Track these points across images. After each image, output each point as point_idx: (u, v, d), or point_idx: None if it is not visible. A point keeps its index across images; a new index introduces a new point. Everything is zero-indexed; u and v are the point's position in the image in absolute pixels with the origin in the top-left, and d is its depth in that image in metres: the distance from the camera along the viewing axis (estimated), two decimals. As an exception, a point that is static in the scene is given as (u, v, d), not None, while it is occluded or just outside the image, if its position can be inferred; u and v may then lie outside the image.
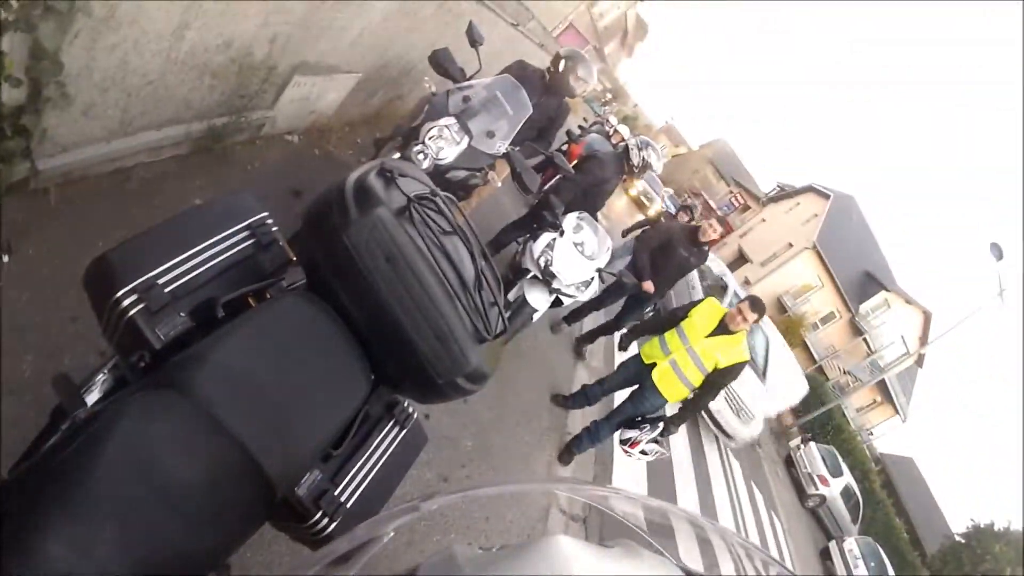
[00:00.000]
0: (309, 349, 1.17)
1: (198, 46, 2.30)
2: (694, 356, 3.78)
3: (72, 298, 2.08)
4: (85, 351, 2.02)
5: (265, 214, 1.34)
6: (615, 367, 4.75)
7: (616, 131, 9.58)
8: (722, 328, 3.81)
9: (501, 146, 2.78)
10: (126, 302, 1.10)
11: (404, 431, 1.35)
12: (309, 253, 1.30)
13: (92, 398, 1.29)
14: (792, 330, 24.05)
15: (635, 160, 4.18)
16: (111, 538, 0.87)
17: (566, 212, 3.71)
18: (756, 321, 3.81)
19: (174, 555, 0.94)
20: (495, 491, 1.05)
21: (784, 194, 31.82)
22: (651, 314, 5.92)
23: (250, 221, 1.31)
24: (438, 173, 2.63)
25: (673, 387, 3.84)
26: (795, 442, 14.50)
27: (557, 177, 4.49)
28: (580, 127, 9.47)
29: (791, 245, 26.19)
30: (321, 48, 3.19)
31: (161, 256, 1.16)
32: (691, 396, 3.96)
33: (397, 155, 2.61)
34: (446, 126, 2.58)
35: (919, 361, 24.61)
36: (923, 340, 23.96)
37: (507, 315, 1.43)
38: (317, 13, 2.85)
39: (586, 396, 4.41)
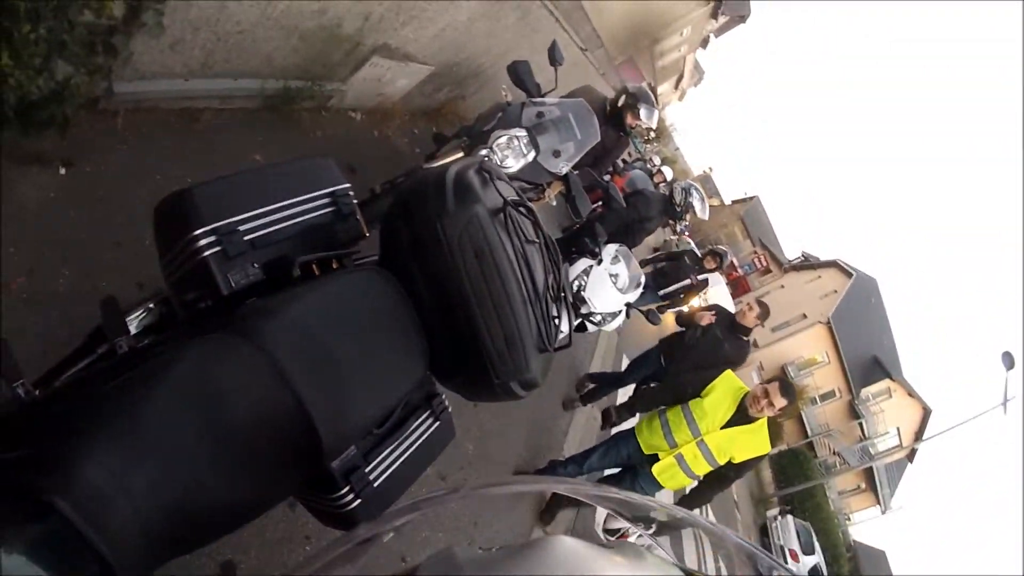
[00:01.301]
0: (377, 325, 1.17)
1: (294, 7, 2.33)
2: (705, 451, 3.13)
3: (119, 224, 2.10)
4: (122, 279, 2.02)
5: (348, 185, 1.35)
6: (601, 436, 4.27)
7: (659, 171, 9.53)
8: (741, 413, 3.11)
9: (564, 167, 2.78)
10: (203, 242, 1.09)
11: (437, 424, 1.34)
12: (391, 233, 1.29)
13: (132, 328, 1.30)
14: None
15: (679, 201, 4.18)
16: (152, 475, 0.85)
17: (606, 242, 3.70)
18: (783, 410, 3.08)
19: (208, 503, 0.92)
20: (496, 490, 1.04)
21: (807, 264, 31.60)
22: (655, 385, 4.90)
23: (333, 189, 1.31)
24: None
25: (675, 480, 3.29)
26: (773, 512, 14.34)
27: (602, 206, 4.50)
28: (624, 161, 9.46)
29: (805, 316, 26.04)
30: (404, 35, 3.23)
31: (245, 204, 1.16)
32: (694, 486, 3.42)
33: (460, 155, 2.61)
34: (516, 137, 2.59)
35: (910, 456, 24.28)
36: (918, 435, 23.59)
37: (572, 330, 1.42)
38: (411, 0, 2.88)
39: (565, 468, 3.66)
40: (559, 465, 3.69)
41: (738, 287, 33.23)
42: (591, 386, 5.04)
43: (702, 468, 3.16)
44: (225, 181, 1.19)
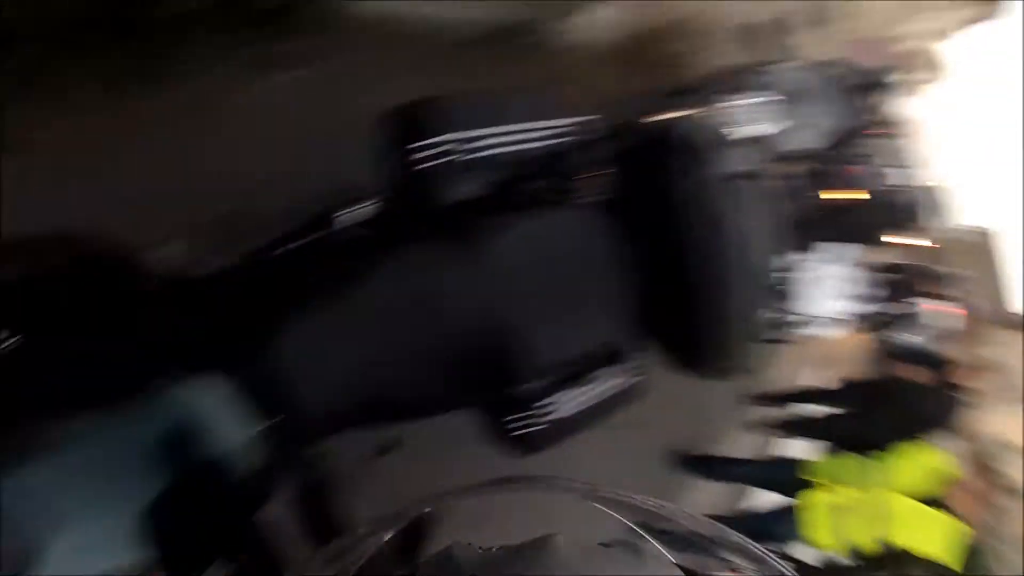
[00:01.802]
0: (593, 266, 1.16)
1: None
2: (874, 511, 2.40)
3: (352, 127, 2.21)
4: (350, 176, 2.14)
5: (585, 119, 1.31)
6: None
7: (885, 172, 8.29)
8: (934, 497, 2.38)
9: (814, 143, 2.47)
10: (438, 149, 1.11)
11: (627, 383, 1.30)
12: (622, 177, 1.26)
13: (353, 220, 1.36)
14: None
15: (923, 208, 3.58)
16: (359, 354, 0.94)
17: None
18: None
19: (400, 393, 1.00)
20: (497, 490, 1.02)
21: None
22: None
23: (572, 120, 1.28)
24: None
25: (821, 532, 2.50)
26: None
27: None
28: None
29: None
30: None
31: (483, 119, 1.16)
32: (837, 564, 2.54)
33: (694, 111, 2.41)
34: (762, 100, 2.32)
35: None
36: None
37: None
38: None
39: (709, 468, 3.39)
40: (716, 463, 3.35)
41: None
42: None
43: (859, 533, 2.39)
44: (466, 95, 1.22)
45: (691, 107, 2.50)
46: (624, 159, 1.24)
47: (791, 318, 3.20)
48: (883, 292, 4.54)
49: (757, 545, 0.74)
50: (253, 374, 0.85)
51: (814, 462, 2.80)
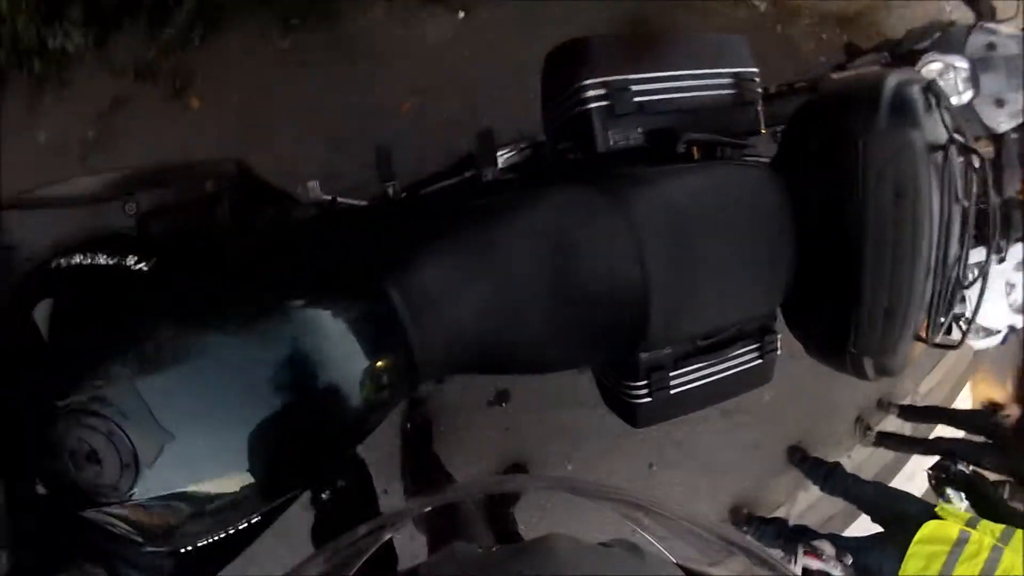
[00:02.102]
0: (751, 231, 1.05)
1: None
2: (995, 558, 1.97)
3: (509, 70, 2.19)
4: (504, 122, 2.13)
5: (756, 70, 1.20)
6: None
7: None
8: None
9: (1005, 123, 2.10)
10: (591, 93, 1.06)
11: (758, 362, 1.20)
12: (797, 136, 1.14)
13: (501, 163, 1.35)
14: None
15: None
16: (483, 297, 0.91)
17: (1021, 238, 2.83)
18: None
19: (521, 342, 0.97)
20: (494, 488, 0.95)
21: None
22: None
23: (740, 70, 1.17)
24: None
25: (926, 569, 2.14)
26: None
27: None
28: None
29: None
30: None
31: (643, 65, 1.10)
32: None
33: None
34: (955, 67, 2.00)
35: None
36: None
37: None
38: None
39: (825, 478, 2.98)
40: (837, 472, 2.88)
41: None
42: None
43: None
44: (626, 38, 1.16)
45: (875, 66, 2.25)
46: (808, 115, 1.12)
47: (963, 323, 2.82)
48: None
49: (763, 548, 0.71)
50: (381, 305, 0.85)
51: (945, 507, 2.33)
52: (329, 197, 1.23)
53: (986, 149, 2.47)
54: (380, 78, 2.25)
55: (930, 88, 1.01)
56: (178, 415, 0.67)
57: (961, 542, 1.99)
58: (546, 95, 1.20)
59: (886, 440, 3.55)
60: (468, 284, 0.92)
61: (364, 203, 1.29)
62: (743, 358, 1.18)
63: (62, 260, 0.73)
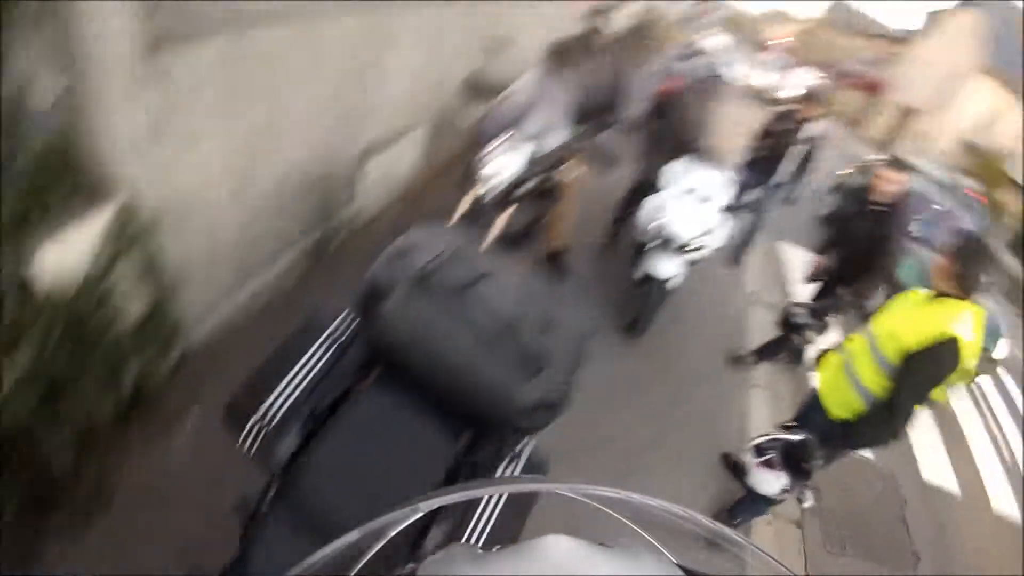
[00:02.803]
0: (394, 433, 1.28)
1: (268, 190, 2.49)
2: (873, 345, 2.20)
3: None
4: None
5: (341, 317, 1.46)
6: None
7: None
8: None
9: (559, 137, 2.65)
10: (250, 438, 1.27)
11: (520, 467, 1.39)
12: (366, 337, 1.41)
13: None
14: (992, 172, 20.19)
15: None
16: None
17: (669, 160, 3.43)
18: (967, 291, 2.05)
19: None
20: (494, 490, 1.06)
21: (931, 25, 26.86)
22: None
23: (329, 330, 1.43)
24: (514, 189, 2.59)
25: (837, 394, 2.34)
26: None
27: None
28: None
29: (958, 76, 22.14)
30: (377, 122, 3.27)
31: (266, 388, 1.31)
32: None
33: (470, 199, 2.61)
34: (497, 148, 2.53)
35: None
36: None
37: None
38: (353, 98, 2.89)
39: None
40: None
41: (873, 88, 29.11)
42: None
43: (870, 375, 2.17)
44: (249, 377, 1.37)
45: (467, 193, 2.73)
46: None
47: (690, 249, 3.27)
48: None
49: (759, 545, 0.76)
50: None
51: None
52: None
53: (577, 162, 3.03)
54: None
55: (396, 254, 1.37)
56: None
57: (847, 352, 2.38)
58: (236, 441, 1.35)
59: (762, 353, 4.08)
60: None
61: None
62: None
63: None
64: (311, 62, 2.32)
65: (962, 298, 2.04)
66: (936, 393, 2.02)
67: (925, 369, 2.00)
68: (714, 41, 7.91)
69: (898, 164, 3.48)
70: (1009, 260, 13.57)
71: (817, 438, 2.19)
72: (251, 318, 2.70)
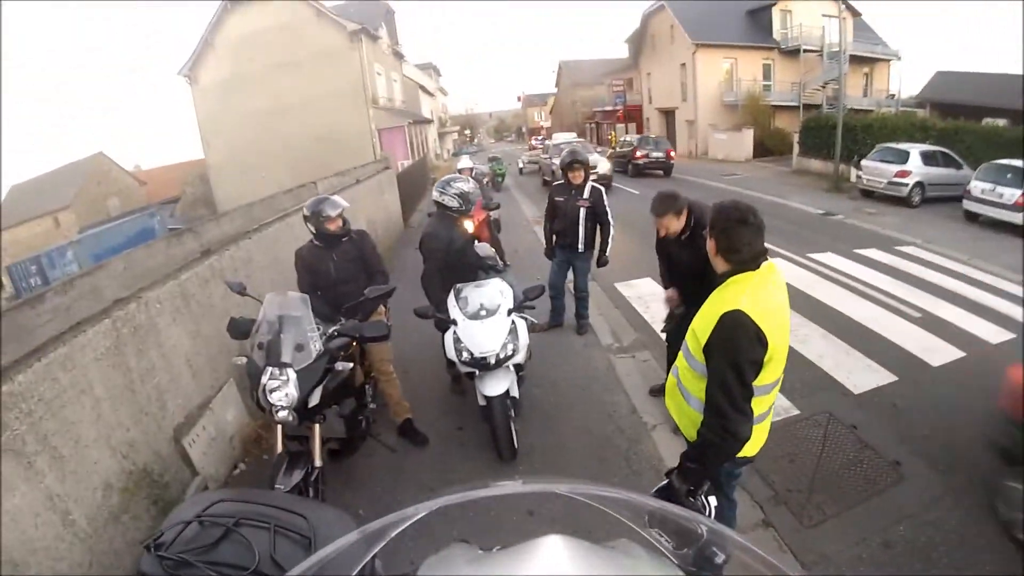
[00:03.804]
0: None
1: (79, 525, 2.27)
2: (688, 353, 2.09)
3: None
4: None
5: None
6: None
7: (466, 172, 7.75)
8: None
9: (316, 348, 2.69)
10: None
11: None
12: None
13: None
14: (758, 111, 24.68)
15: (450, 197, 3.77)
16: None
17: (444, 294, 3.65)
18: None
19: None
20: (494, 492, 1.01)
21: (639, 39, 33.11)
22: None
23: None
24: (308, 403, 2.65)
25: (682, 416, 2.19)
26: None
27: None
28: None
29: (683, 65, 27.50)
30: (185, 392, 3.16)
31: None
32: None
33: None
34: (267, 383, 2.55)
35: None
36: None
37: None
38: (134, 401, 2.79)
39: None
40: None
41: (627, 118, 33.77)
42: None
43: (691, 383, 2.07)
44: None
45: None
46: None
47: (505, 361, 3.43)
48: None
49: (749, 542, 0.78)
50: None
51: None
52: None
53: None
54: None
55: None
56: None
57: (675, 370, 2.25)
58: None
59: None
60: None
61: None
62: None
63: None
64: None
65: (745, 271, 1.93)
66: (764, 375, 1.89)
67: (717, 352, 1.86)
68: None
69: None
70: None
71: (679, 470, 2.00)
72: None
